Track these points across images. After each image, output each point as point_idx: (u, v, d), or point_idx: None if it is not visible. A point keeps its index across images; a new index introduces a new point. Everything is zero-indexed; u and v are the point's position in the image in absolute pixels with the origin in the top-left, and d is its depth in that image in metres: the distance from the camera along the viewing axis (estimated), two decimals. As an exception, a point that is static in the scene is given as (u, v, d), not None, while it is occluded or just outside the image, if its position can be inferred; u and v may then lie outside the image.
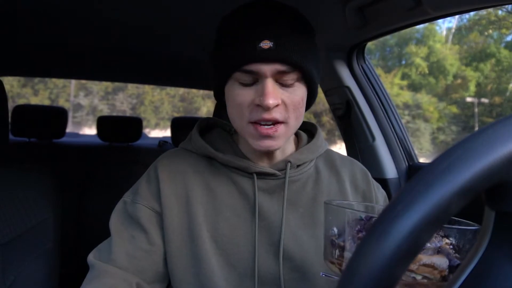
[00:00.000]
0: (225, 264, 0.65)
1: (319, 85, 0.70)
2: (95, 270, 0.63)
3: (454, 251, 0.43)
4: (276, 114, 0.60)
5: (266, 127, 0.61)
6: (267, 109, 0.59)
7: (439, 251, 0.42)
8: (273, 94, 0.59)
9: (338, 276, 0.48)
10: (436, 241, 0.42)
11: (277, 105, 0.60)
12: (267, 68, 0.59)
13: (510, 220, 0.26)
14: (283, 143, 0.64)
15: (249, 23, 0.60)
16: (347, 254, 0.46)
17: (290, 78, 0.61)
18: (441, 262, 0.41)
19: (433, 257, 0.41)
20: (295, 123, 0.64)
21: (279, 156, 0.72)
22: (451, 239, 0.43)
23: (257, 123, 0.61)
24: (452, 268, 0.42)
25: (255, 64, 0.59)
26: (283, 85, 0.61)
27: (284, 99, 0.61)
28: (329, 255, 0.49)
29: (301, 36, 0.62)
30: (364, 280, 0.22)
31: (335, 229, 0.48)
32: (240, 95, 0.62)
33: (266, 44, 0.58)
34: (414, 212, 0.22)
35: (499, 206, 0.26)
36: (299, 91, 0.62)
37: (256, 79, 0.61)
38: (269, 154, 0.71)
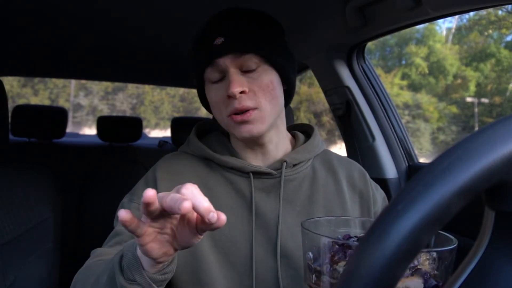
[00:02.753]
0: (223, 261, 0.66)
1: (319, 85, 0.71)
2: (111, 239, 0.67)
3: (433, 266, 0.42)
4: (246, 102, 0.64)
5: (240, 114, 0.65)
6: (234, 97, 0.64)
7: (414, 272, 0.41)
8: (237, 82, 0.64)
9: None
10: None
11: (243, 92, 0.64)
12: (225, 60, 0.64)
13: (510, 220, 0.26)
14: (264, 128, 0.67)
15: (205, 28, 0.69)
16: (325, 278, 0.45)
17: (251, 63, 0.65)
18: (416, 285, 0.40)
19: (407, 280, 0.40)
20: (269, 107, 0.67)
21: (274, 155, 0.73)
22: (432, 253, 0.43)
23: (233, 114, 0.65)
24: None
25: (217, 60, 0.65)
26: (247, 72, 0.66)
27: (251, 86, 0.65)
28: (307, 279, 0.49)
29: (252, 27, 0.67)
30: (364, 280, 0.22)
31: (311, 254, 0.48)
32: (214, 94, 0.68)
33: (219, 40, 0.64)
34: (414, 212, 0.22)
35: (499, 206, 0.26)
36: (265, 75, 0.66)
37: (224, 75, 0.66)
38: (264, 152, 0.72)
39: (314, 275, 0.47)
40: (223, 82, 0.66)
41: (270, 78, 0.67)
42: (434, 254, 0.42)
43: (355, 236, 0.51)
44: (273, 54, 0.67)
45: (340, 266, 0.44)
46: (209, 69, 0.66)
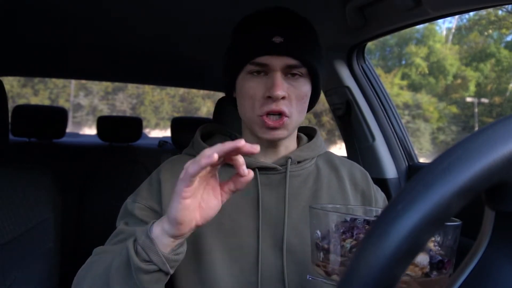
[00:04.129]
0: (228, 258, 0.66)
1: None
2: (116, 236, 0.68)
3: (438, 247, 0.44)
4: (283, 107, 0.65)
5: (273, 118, 0.66)
6: (276, 100, 0.64)
7: None
8: (281, 86, 0.64)
9: (324, 278, 0.48)
10: None
11: (283, 98, 0.65)
12: (278, 61, 0.64)
13: (510, 220, 0.26)
14: (287, 134, 0.69)
15: (262, 21, 0.68)
16: (333, 256, 0.46)
17: (297, 72, 0.66)
18: (422, 259, 0.42)
19: None
20: (297, 117, 0.69)
21: (283, 152, 0.74)
22: (435, 236, 0.44)
23: (265, 115, 0.66)
24: (433, 264, 0.42)
25: (267, 57, 0.64)
26: (290, 79, 0.66)
27: (290, 92, 0.66)
28: (315, 258, 0.50)
29: (307, 36, 0.68)
30: (364, 280, 0.22)
31: (319, 232, 0.49)
32: (252, 88, 0.67)
33: (277, 39, 0.64)
34: (414, 212, 0.22)
35: (499, 206, 0.26)
36: (304, 86, 0.68)
37: (266, 72, 0.66)
38: (275, 152, 0.74)
39: (321, 253, 0.47)
40: (263, 79, 0.66)
41: (306, 90, 0.68)
42: (438, 238, 0.44)
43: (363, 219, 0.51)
44: (317, 67, 0.68)
45: (348, 243, 0.45)
46: (255, 63, 0.65)
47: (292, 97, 0.66)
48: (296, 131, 0.77)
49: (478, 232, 0.28)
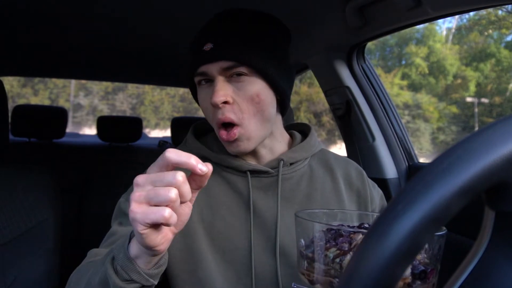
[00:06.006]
0: (221, 261, 0.66)
1: (319, 85, 0.71)
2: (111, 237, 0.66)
3: (425, 254, 0.43)
4: (229, 114, 0.63)
5: (225, 132, 0.64)
6: (216, 106, 0.62)
7: None
8: (221, 91, 0.62)
9: (309, 287, 0.48)
10: None
11: (226, 102, 0.63)
12: (212, 67, 0.63)
13: (510, 220, 0.26)
14: (253, 145, 0.66)
15: (198, 34, 0.68)
16: (317, 265, 0.45)
17: (237, 72, 0.63)
18: None
19: None
20: (253, 123, 0.64)
21: (268, 155, 0.73)
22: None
23: (221, 127, 0.65)
24: (415, 275, 0.41)
25: (203, 66, 0.64)
26: (235, 81, 0.64)
27: (236, 96, 0.63)
28: (299, 266, 0.49)
29: (244, 34, 0.65)
30: (364, 280, 0.22)
31: (303, 241, 0.48)
32: (202, 99, 0.67)
33: (208, 46, 0.63)
34: (414, 212, 0.22)
35: (499, 206, 0.26)
36: (251, 85, 0.64)
37: (211, 80, 0.65)
38: (257, 156, 0.72)
39: (305, 262, 0.47)
40: (210, 87, 0.65)
41: (257, 90, 0.64)
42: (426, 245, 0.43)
43: (348, 225, 0.51)
44: (263, 63, 0.63)
45: (331, 252, 0.44)
46: (198, 74, 0.66)
47: (240, 100, 0.63)
48: (279, 132, 0.74)
49: (478, 232, 0.28)
